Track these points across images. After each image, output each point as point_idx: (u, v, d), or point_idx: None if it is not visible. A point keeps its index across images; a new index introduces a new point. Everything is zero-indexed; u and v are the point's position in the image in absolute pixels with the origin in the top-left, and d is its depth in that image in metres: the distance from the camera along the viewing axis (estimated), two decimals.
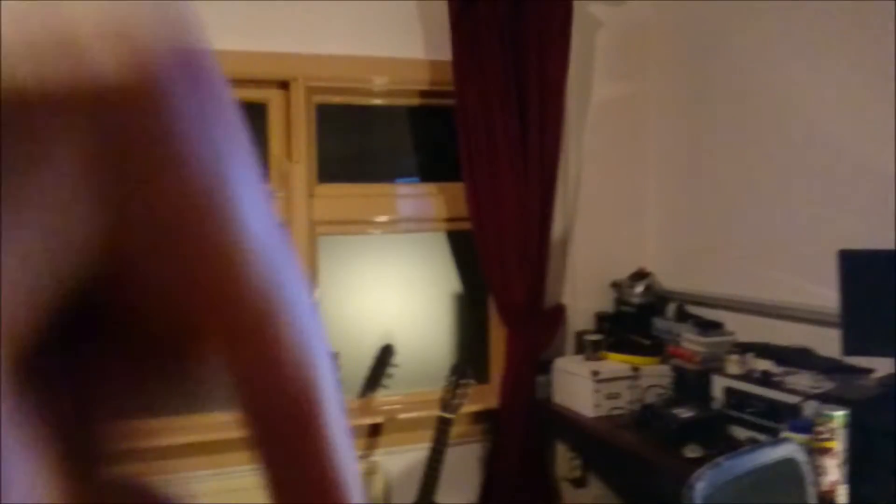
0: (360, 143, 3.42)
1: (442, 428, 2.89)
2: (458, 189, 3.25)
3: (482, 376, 3.45)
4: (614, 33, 3.51)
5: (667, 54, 3.54)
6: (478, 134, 3.16)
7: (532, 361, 3.26)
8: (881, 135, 2.50)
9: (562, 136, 3.28)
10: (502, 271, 3.21)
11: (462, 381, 2.94)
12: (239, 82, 3.07)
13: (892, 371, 2.26)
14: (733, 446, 2.30)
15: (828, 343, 2.41)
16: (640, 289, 3.38)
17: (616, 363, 3.06)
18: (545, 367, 3.27)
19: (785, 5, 2.88)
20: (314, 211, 3.20)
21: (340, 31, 3.15)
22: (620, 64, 3.57)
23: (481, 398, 3.31)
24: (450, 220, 3.41)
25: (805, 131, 2.81)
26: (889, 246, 2.29)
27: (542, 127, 3.22)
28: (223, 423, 3.08)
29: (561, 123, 3.26)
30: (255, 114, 3.14)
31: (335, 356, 3.18)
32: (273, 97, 3.15)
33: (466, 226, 3.27)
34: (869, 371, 2.36)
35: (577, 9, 3.27)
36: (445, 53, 3.15)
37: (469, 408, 3.17)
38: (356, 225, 3.34)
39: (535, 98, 3.19)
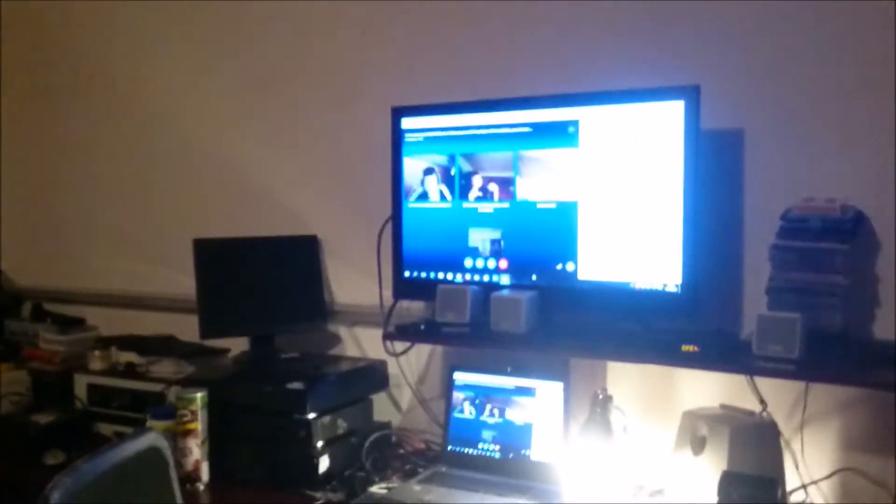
0: None
1: None
2: None
3: None
4: None
5: (16, 31, 3.23)
6: None
7: None
8: (234, 136, 2.71)
9: None
10: None
11: None
12: None
13: (245, 349, 2.47)
14: (99, 444, 2.23)
15: (190, 329, 2.50)
16: None
17: None
18: None
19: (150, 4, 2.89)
20: None
21: None
22: None
23: None
24: None
25: (165, 126, 2.86)
26: (236, 234, 2.49)
27: None
28: None
29: None
30: None
31: None
32: None
33: None
34: (226, 351, 2.53)
35: None
36: None
37: None
38: None
39: None
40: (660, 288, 1.82)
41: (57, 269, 3.15)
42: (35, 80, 3.22)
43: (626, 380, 2.01)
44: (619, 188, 1.86)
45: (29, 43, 3.22)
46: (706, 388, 1.91)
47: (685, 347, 1.73)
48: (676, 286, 1.80)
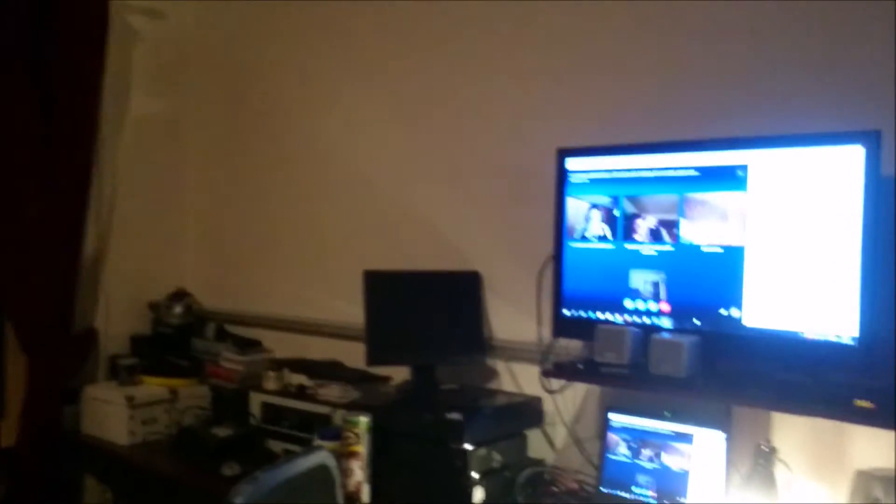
0: None
1: None
2: None
3: None
4: (154, 47, 3.42)
5: (207, 74, 3.56)
6: None
7: (58, 390, 2.98)
8: (401, 172, 2.84)
9: (95, 148, 3.09)
10: (23, 292, 2.89)
11: None
12: None
13: (407, 378, 2.56)
14: (270, 459, 2.38)
15: (354, 355, 2.63)
16: (178, 309, 3.32)
17: (153, 387, 2.95)
18: (74, 396, 3.01)
19: (322, 43, 3.10)
20: None
21: None
22: (160, 80, 3.49)
23: None
24: None
25: (336, 162, 3.05)
26: (399, 266, 2.60)
27: (73, 138, 2.99)
28: None
29: (94, 135, 3.07)
30: None
31: None
32: None
33: None
34: (388, 378, 2.64)
35: (115, 18, 3.11)
36: None
37: None
38: None
39: (65, 107, 2.96)
40: (833, 339, 1.74)
41: (238, 295, 3.40)
42: (220, 124, 3.52)
43: (792, 433, 1.93)
44: (790, 234, 1.81)
45: (215, 90, 3.53)
46: (881, 448, 1.80)
47: (859, 403, 1.65)
48: (852, 338, 1.72)
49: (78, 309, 3.09)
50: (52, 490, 2.98)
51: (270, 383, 2.74)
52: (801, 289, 1.79)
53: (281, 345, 3.13)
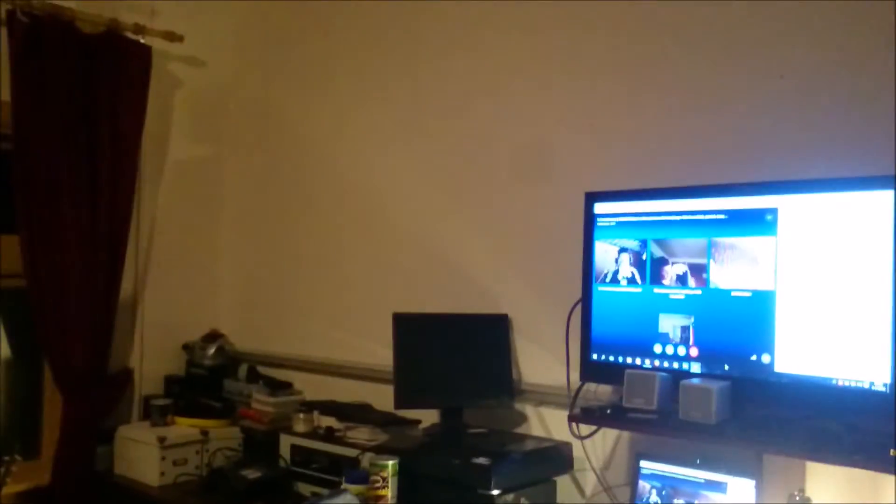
0: None
1: None
2: (12, 242, 2.94)
3: (32, 450, 3.10)
4: (193, 94, 3.51)
5: (243, 122, 3.64)
6: (38, 183, 2.90)
7: (92, 430, 3.02)
8: (430, 213, 2.87)
9: (135, 192, 3.16)
10: (61, 333, 2.95)
11: (4, 458, 2.60)
12: None
13: (436, 421, 2.55)
14: (298, 502, 2.39)
15: (383, 397, 2.63)
16: (211, 350, 3.35)
17: (185, 427, 2.97)
18: (108, 436, 3.04)
19: (352, 89, 3.16)
20: None
21: None
22: (198, 125, 3.57)
23: (30, 475, 2.96)
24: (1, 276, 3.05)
25: (368, 207, 3.09)
26: (428, 309, 2.61)
27: (113, 181, 3.07)
28: None
29: (134, 179, 3.15)
30: None
31: None
32: None
33: (19, 283, 2.95)
34: (417, 422, 2.63)
35: (157, 65, 3.21)
36: (4, 93, 2.87)
37: (13, 488, 2.81)
38: None
39: (106, 151, 3.05)
40: (865, 386, 1.71)
41: (271, 337, 3.43)
42: (256, 169, 3.59)
43: (826, 482, 1.88)
44: (822, 279, 1.79)
45: (251, 136, 3.60)
46: None
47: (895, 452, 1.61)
48: (884, 385, 1.68)
49: (114, 349, 3.13)
50: None
51: (300, 425, 2.74)
52: (833, 335, 1.76)
53: (311, 386, 3.14)
